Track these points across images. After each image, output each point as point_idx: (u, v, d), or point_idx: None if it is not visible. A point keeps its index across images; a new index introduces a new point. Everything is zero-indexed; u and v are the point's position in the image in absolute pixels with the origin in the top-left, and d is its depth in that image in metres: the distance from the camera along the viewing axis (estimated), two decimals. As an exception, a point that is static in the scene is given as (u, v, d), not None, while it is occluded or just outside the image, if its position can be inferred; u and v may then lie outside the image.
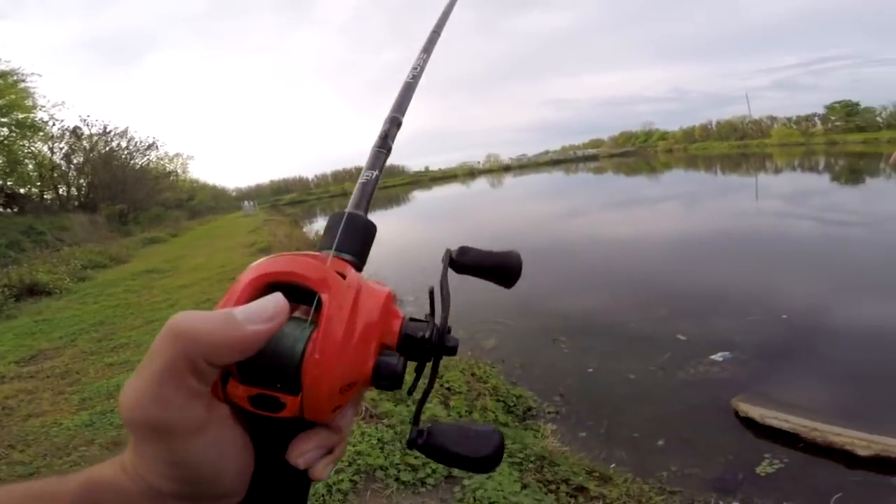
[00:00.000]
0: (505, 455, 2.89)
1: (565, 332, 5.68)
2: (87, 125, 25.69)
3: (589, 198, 23.50)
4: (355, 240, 0.36)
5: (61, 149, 24.89)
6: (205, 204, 41.30)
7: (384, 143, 0.47)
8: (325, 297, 0.29)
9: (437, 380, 3.91)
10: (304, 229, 19.79)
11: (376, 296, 0.32)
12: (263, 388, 0.28)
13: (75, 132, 25.02)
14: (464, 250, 0.39)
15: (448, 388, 3.97)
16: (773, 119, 55.61)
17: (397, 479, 2.37)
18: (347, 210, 0.38)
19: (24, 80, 21.18)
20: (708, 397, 3.97)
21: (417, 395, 0.38)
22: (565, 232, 13.54)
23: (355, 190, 0.41)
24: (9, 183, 22.31)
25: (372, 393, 3.19)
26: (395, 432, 2.83)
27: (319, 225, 20.72)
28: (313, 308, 0.29)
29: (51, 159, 24.26)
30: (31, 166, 23.31)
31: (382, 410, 3.07)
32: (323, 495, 2.20)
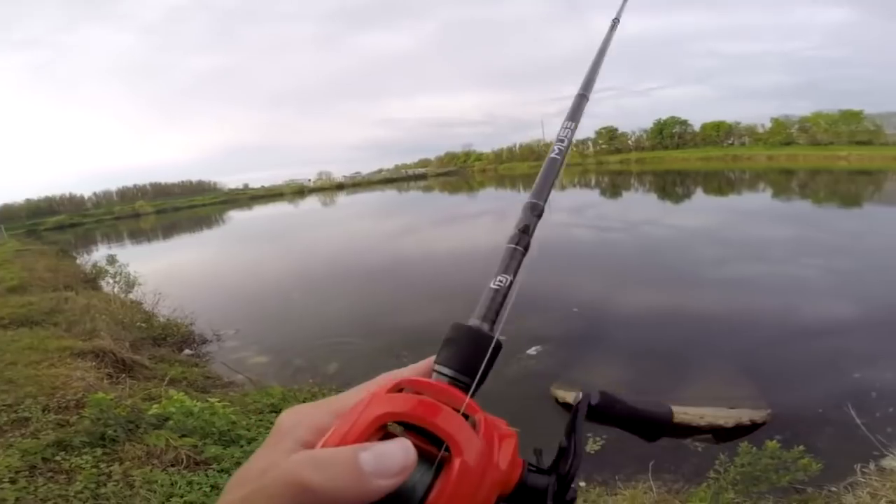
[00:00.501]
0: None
1: (407, 346, 5.93)
2: None
3: (419, 215, 24.98)
4: (481, 364, 0.33)
5: None
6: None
7: (523, 240, 0.39)
8: (456, 460, 0.26)
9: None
10: (79, 260, 16.06)
11: (506, 445, 0.29)
12: None
13: None
14: (608, 400, 0.34)
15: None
16: (559, 142, 67.46)
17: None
18: (474, 324, 0.34)
19: None
20: (532, 387, 4.52)
21: None
22: (399, 250, 14.03)
23: (483, 299, 0.35)
24: None
25: (187, 441, 2.74)
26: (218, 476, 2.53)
27: (100, 255, 16.81)
28: (441, 451, 0.27)
29: None
30: None
31: (209, 455, 2.72)
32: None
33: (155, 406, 2.98)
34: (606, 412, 0.34)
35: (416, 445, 0.27)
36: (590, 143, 63.72)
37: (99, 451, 2.72)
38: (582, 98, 0.50)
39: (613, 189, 29.54)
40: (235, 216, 42.61)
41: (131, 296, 8.66)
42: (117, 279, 9.06)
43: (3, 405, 3.31)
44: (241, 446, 2.91)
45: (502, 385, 4.68)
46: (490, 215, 20.72)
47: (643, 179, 33.82)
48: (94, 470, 2.55)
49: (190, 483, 2.47)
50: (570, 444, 0.32)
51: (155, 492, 2.36)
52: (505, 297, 0.36)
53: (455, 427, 0.27)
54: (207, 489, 2.44)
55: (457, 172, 72.99)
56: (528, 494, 0.30)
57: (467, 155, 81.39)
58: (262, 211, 46.60)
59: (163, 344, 6.19)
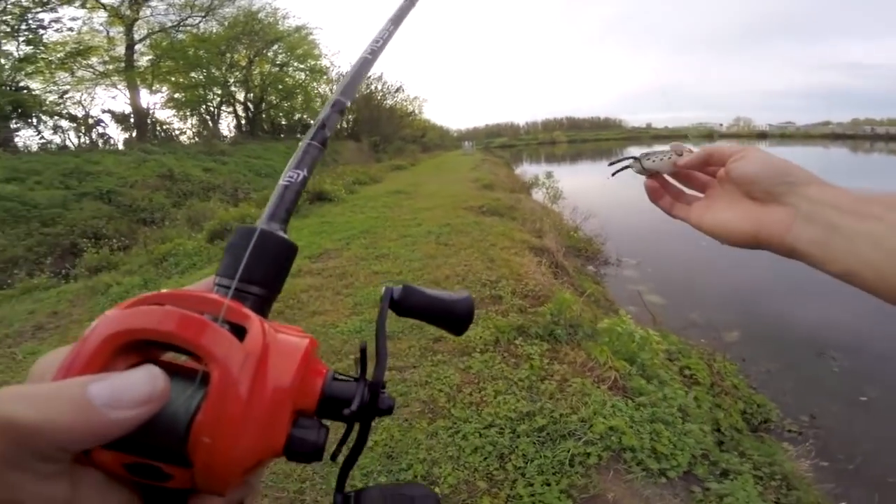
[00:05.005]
0: (749, 465, 2.37)
1: (840, 347, 4.46)
2: (355, 71, 31.95)
3: (885, 182, 17.38)
4: (267, 266, 0.28)
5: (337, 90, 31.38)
6: (433, 141, 45.76)
7: (319, 135, 0.35)
8: (214, 373, 0.22)
9: (677, 363, 3.14)
10: (517, 171, 19.90)
11: (289, 354, 0.25)
12: (141, 456, 0.22)
13: (346, 77, 30.77)
14: (410, 292, 0.32)
15: (690, 376, 3.39)
16: None
17: (640, 464, 2.07)
18: (260, 225, 0.29)
19: (311, 34, 26.26)
20: None
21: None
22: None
23: (273, 195, 0.31)
24: (304, 116, 28.84)
25: (622, 364, 2.76)
26: (651, 413, 2.41)
27: (524, 169, 20.65)
28: (202, 367, 0.23)
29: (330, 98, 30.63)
30: (318, 103, 29.56)
31: (634, 386, 2.61)
32: (563, 462, 2.04)
33: (606, 320, 3.06)
34: (410, 305, 0.32)
35: (181, 366, 0.23)
36: None
37: (545, 345, 2.89)
38: (409, 3, 0.46)
39: None
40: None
41: (554, 206, 9.95)
42: (549, 190, 10.57)
43: (488, 280, 3.91)
44: (654, 387, 2.66)
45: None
46: None
47: None
48: (538, 362, 2.71)
49: (614, 407, 2.39)
50: (377, 345, 0.28)
51: (586, 405, 2.37)
52: (297, 193, 0.32)
53: (207, 336, 0.22)
54: (627, 418, 2.32)
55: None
56: (335, 406, 0.26)
57: None
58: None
59: (577, 256, 6.80)
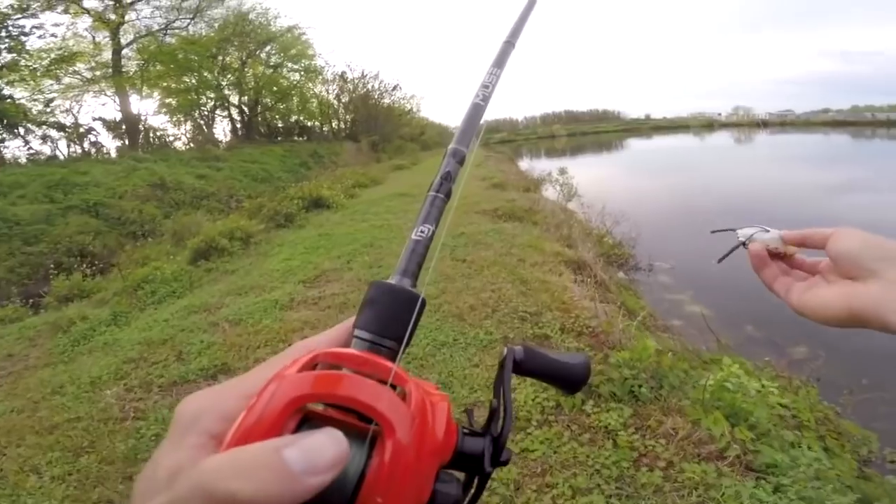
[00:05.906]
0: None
1: None
2: (351, 70, 30.28)
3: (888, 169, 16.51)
4: (405, 323, 0.29)
5: (333, 90, 30.00)
6: (432, 139, 44.49)
7: (444, 187, 0.35)
8: (388, 442, 0.23)
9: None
10: (521, 167, 19.16)
11: (439, 413, 0.26)
12: None
13: (342, 76, 29.82)
14: (531, 354, 0.32)
15: (792, 418, 2.71)
16: None
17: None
18: (392, 280, 0.30)
19: (304, 33, 25.36)
20: None
21: None
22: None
23: (405, 250, 0.32)
24: (301, 117, 27.97)
25: (744, 433, 1.99)
26: (795, 493, 1.70)
27: (530, 164, 19.93)
28: (372, 426, 0.24)
29: (327, 99, 29.39)
30: (314, 104, 28.62)
31: (763, 462, 1.84)
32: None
33: (721, 372, 2.25)
34: (530, 366, 0.32)
35: (343, 423, 0.24)
36: None
37: (626, 410, 2.14)
38: (508, 45, 0.47)
39: None
40: (634, 144, 41.57)
41: (570, 205, 9.11)
42: (563, 188, 9.71)
43: (526, 312, 3.16)
44: (780, 452, 1.93)
45: None
46: None
47: None
48: (624, 438, 1.98)
49: (752, 498, 1.68)
50: (500, 402, 0.29)
51: (715, 501, 1.65)
52: (427, 248, 0.33)
53: (383, 403, 0.23)
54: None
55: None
56: (464, 460, 0.27)
57: None
58: (662, 142, 43.33)
59: (609, 263, 5.99)
